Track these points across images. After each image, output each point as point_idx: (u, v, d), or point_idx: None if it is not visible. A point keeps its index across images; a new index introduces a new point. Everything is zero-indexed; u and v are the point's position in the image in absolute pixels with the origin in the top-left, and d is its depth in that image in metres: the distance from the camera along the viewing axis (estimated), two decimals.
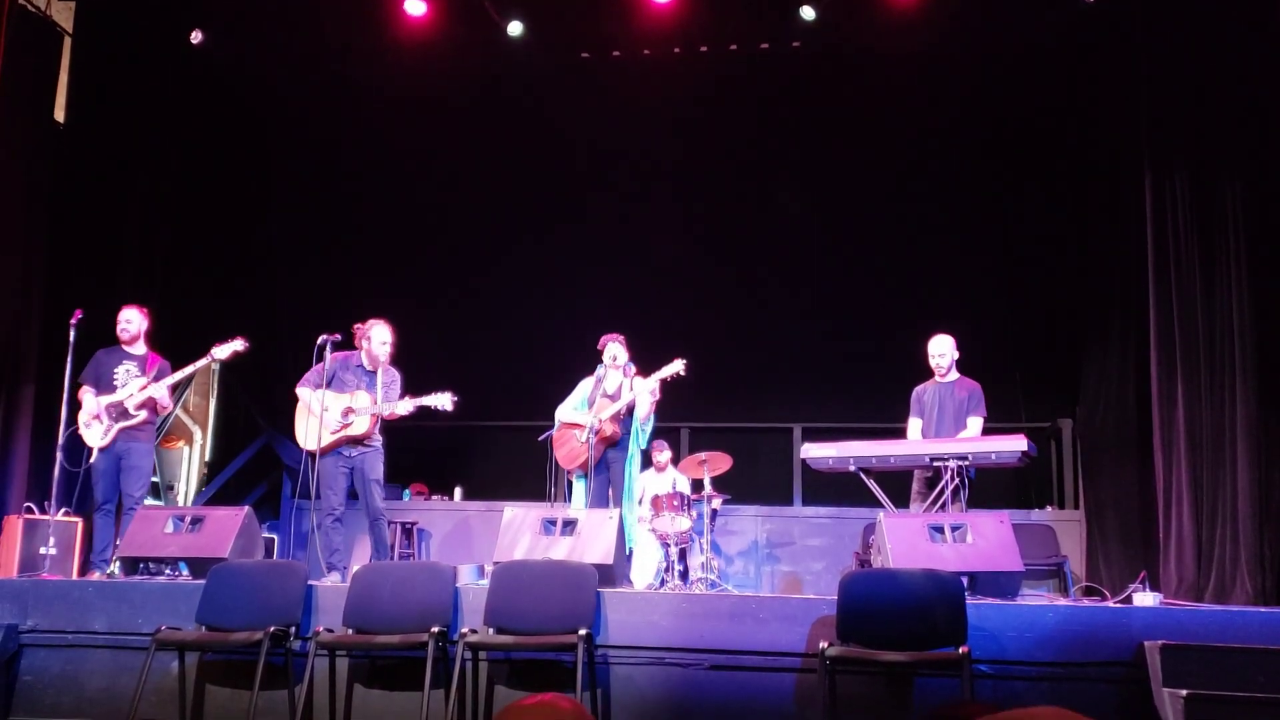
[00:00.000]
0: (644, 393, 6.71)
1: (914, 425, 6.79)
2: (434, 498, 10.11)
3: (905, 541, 5.60)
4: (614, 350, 6.97)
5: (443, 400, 6.57)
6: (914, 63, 8.49)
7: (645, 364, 6.94)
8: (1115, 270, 7.97)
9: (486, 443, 10.90)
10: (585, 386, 7.06)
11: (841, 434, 7.05)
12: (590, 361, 7.15)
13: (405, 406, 6.55)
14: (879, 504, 6.54)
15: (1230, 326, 6.78)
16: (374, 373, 6.74)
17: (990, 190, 9.26)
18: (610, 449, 6.83)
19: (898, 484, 6.77)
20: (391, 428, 7.00)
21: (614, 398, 6.86)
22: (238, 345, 6.75)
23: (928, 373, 6.83)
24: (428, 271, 10.11)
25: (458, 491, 10.13)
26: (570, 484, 7.05)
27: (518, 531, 5.95)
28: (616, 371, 6.97)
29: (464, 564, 8.27)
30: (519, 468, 9.81)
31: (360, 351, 6.78)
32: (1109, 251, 8.10)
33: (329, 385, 6.65)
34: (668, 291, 9.83)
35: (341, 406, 6.62)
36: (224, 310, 8.72)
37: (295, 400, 6.76)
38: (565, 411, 7.02)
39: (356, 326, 6.79)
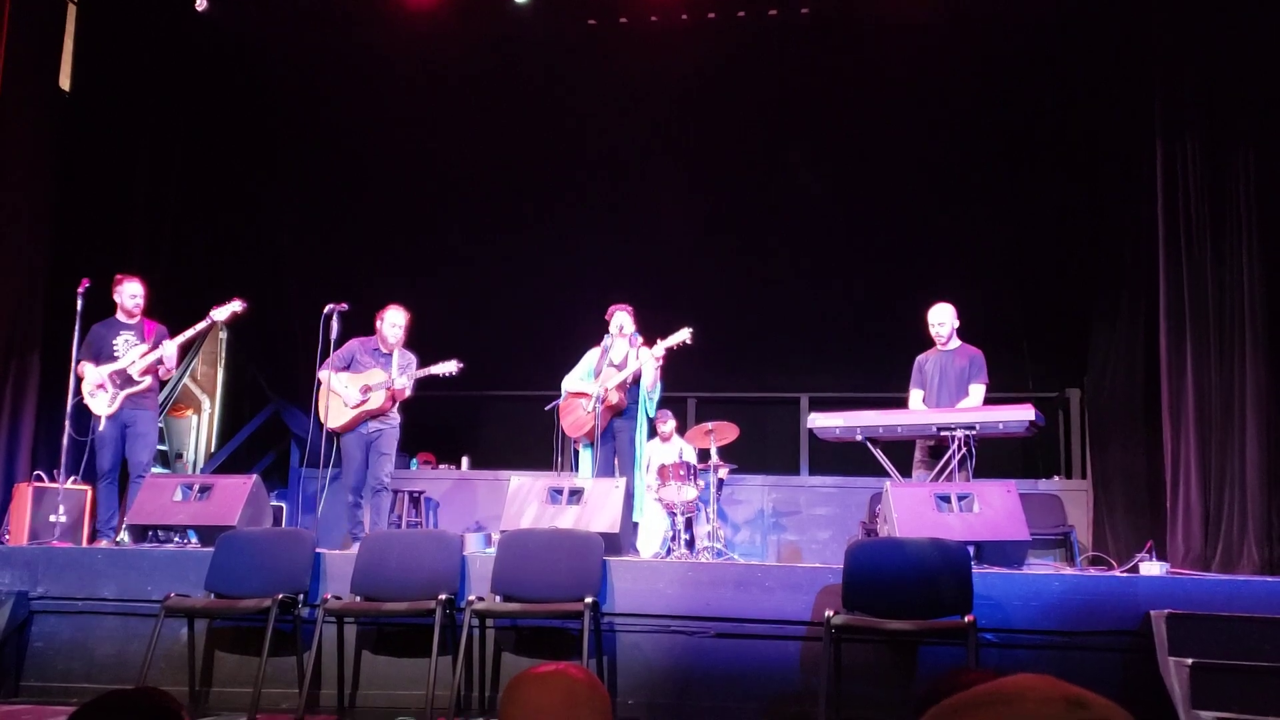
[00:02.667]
0: (650, 361, 6.71)
1: (915, 396, 6.79)
2: (441, 467, 10.15)
3: (911, 510, 5.60)
4: (621, 320, 6.96)
5: (448, 367, 6.76)
6: (924, 30, 8.40)
7: (652, 334, 6.93)
8: (1125, 239, 7.91)
9: (493, 412, 10.92)
10: (592, 356, 7.06)
11: (848, 404, 7.05)
12: (597, 332, 7.14)
13: (410, 378, 6.78)
14: (885, 473, 6.55)
15: (1240, 296, 6.73)
16: (389, 355, 6.92)
17: (1001, 158, 9.18)
18: (616, 418, 6.83)
19: (905, 454, 6.77)
20: (405, 402, 7.06)
21: (620, 367, 6.86)
22: (236, 306, 6.84)
23: (933, 342, 6.82)
24: (435, 240, 10.09)
25: (465, 461, 10.16)
26: (576, 453, 7.06)
27: (524, 500, 5.98)
28: (623, 341, 6.96)
29: (471, 532, 8.31)
30: (526, 437, 9.83)
31: (376, 335, 6.97)
32: (1119, 220, 8.04)
33: (349, 368, 6.86)
34: (675, 261, 9.80)
35: (359, 384, 6.81)
36: (230, 277, 8.70)
37: (301, 368, 6.86)
38: (572, 381, 7.01)
39: (378, 316, 6.94)
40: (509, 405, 10.74)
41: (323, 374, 6.83)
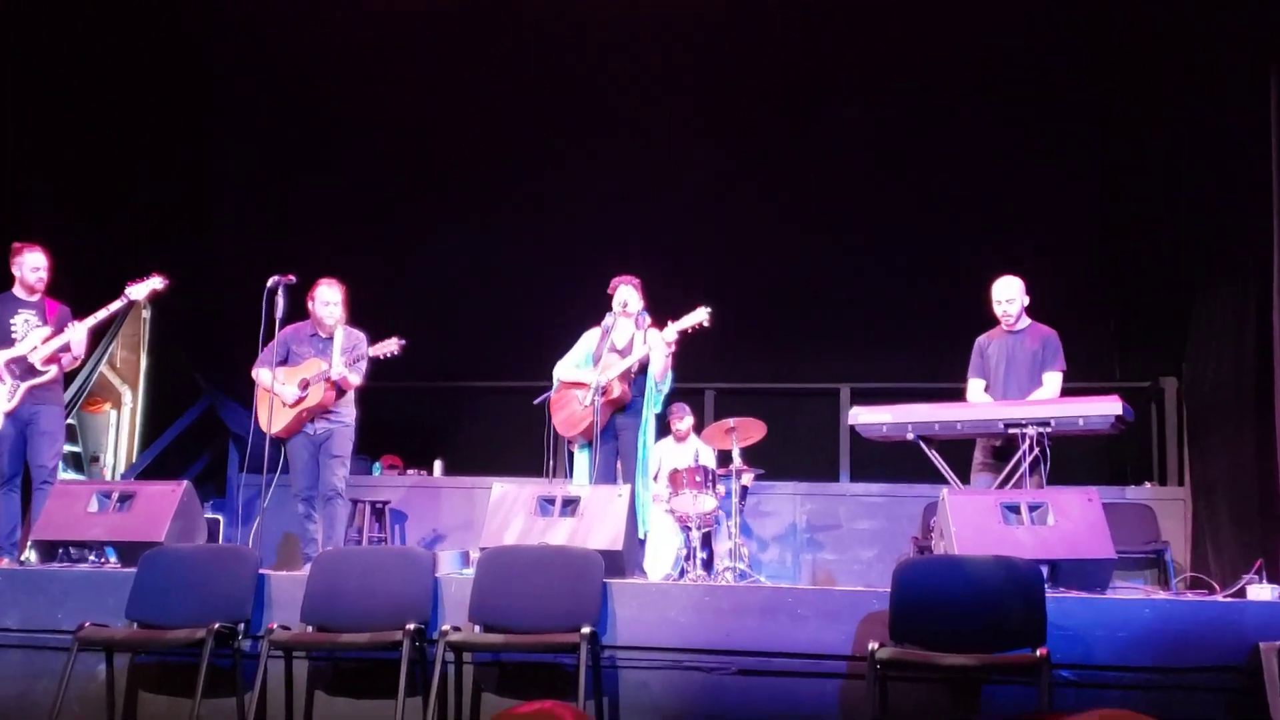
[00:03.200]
0: (660, 346, 6.71)
1: (975, 386, 6.79)
2: (409, 472, 10.19)
3: (973, 523, 5.60)
4: (626, 295, 6.95)
5: (386, 346, 6.84)
6: None
7: (663, 313, 6.93)
8: (1231, 202, 7.87)
9: (472, 407, 10.95)
10: (590, 339, 7.06)
11: (897, 396, 7.06)
12: (596, 310, 7.15)
13: (358, 362, 6.87)
14: (941, 479, 6.55)
15: None
16: (329, 339, 6.99)
17: (1080, 112, 9.06)
18: (619, 414, 6.84)
19: (965, 456, 6.78)
20: (364, 395, 7.11)
21: (624, 352, 6.86)
22: (156, 283, 6.88)
23: (998, 322, 6.81)
24: (402, 208, 10.12)
25: (438, 465, 10.21)
26: (571, 456, 7.07)
27: (509, 512, 5.99)
28: (628, 321, 6.97)
29: (445, 550, 8.35)
30: (510, 437, 9.82)
31: (312, 319, 7.04)
32: (1224, 180, 7.98)
33: (285, 361, 6.97)
34: (692, 229, 9.81)
35: (297, 379, 6.89)
36: (151, 252, 8.64)
37: (241, 353, 6.92)
38: (566, 369, 7.02)
39: (308, 296, 7.02)
40: (490, 399, 10.74)
41: (257, 373, 6.92)
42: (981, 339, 6.88)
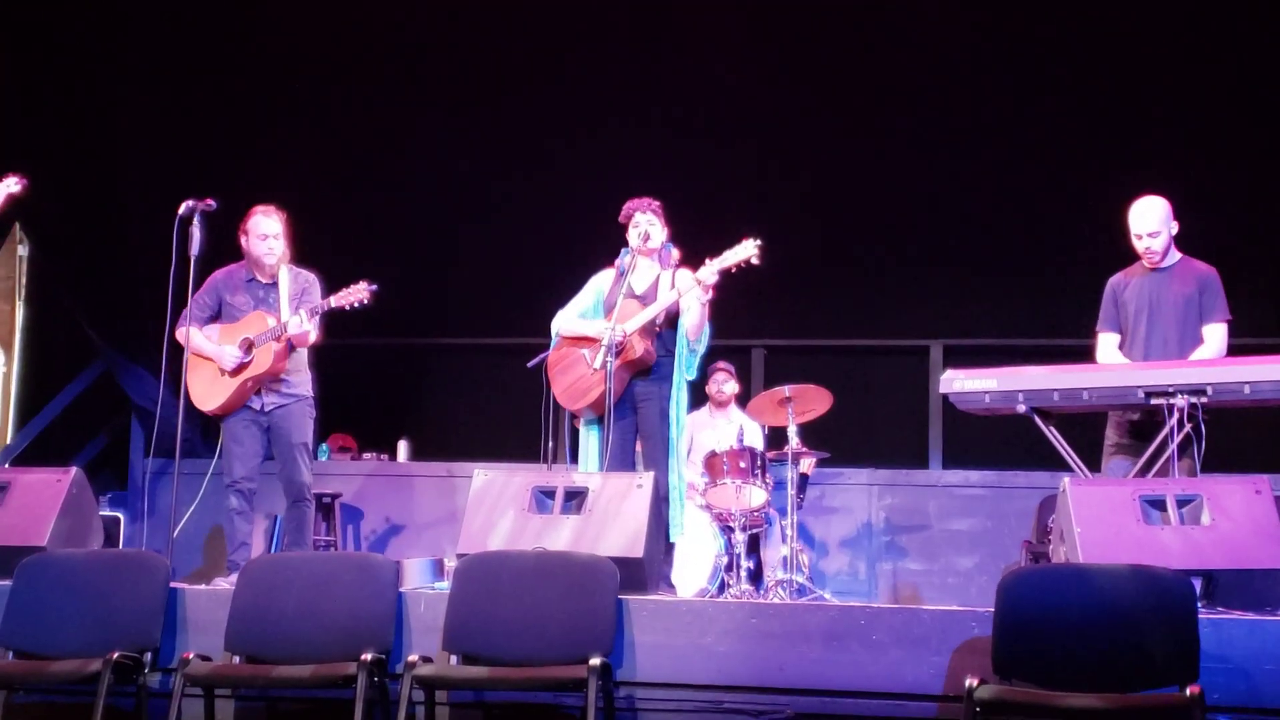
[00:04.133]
0: (694, 290, 6.67)
1: (1106, 343, 6.75)
2: (366, 456, 10.24)
3: (1104, 522, 5.58)
4: (645, 225, 6.90)
5: (355, 294, 6.87)
6: None
7: (697, 248, 6.88)
8: None
9: (447, 372, 10.96)
10: (600, 283, 7.03)
11: (1003, 356, 7.05)
12: (607, 246, 7.13)
13: (313, 311, 6.87)
14: (1062, 464, 6.52)
15: None
16: (273, 284, 7.06)
17: None
18: (640, 379, 6.81)
19: (1092, 436, 6.75)
20: (315, 354, 7.16)
21: (646, 299, 6.83)
22: (12, 185, 6.93)
23: (1136, 258, 6.75)
24: (358, 127, 10.16)
25: (403, 447, 10.26)
26: (576, 434, 7.07)
27: (495, 507, 6.01)
28: (649, 260, 6.93)
29: (413, 557, 8.37)
30: (496, 410, 9.85)
31: (247, 259, 7.10)
32: None
33: (217, 317, 7.03)
34: (732, 142, 9.78)
35: (238, 339, 6.91)
36: (27, 167, 8.64)
37: (147, 303, 6.88)
38: (568, 321, 6.99)
39: (240, 230, 7.07)
40: (470, 361, 10.76)
41: (185, 333, 6.95)
42: (1115, 280, 6.81)
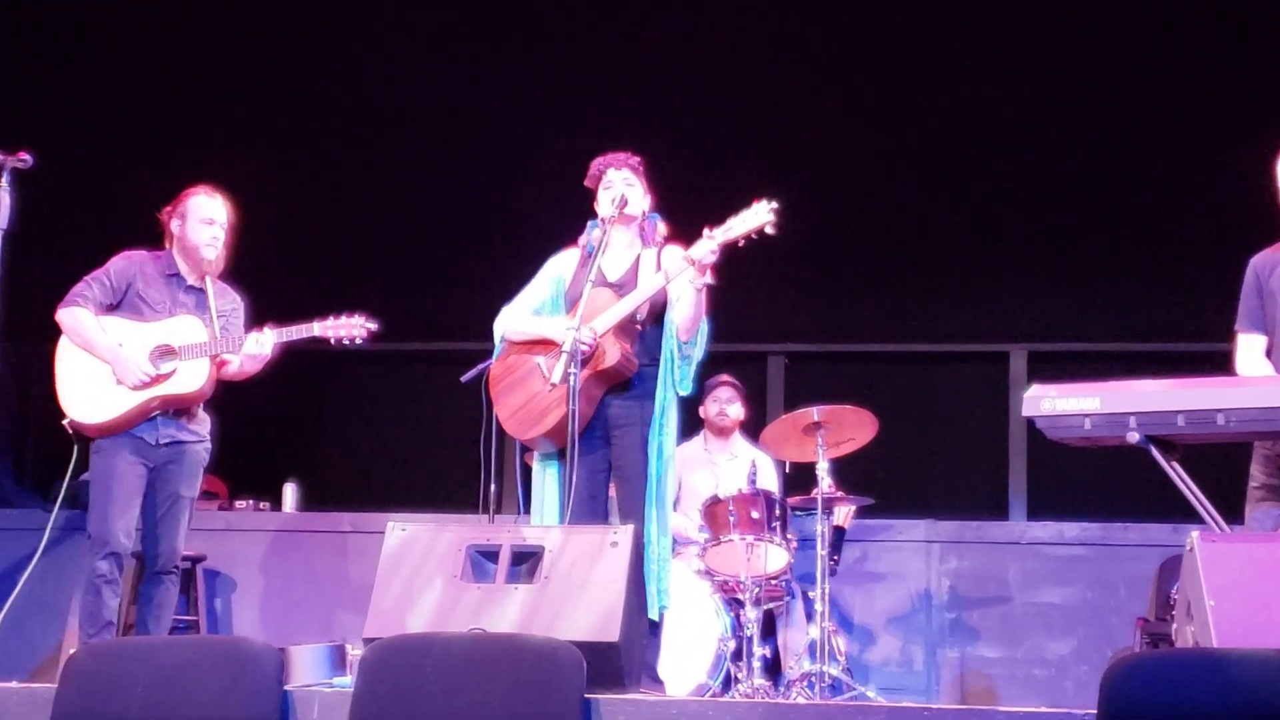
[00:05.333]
0: (686, 273, 6.65)
1: (1250, 347, 6.73)
2: (240, 505, 10.30)
3: (1247, 592, 5.57)
4: (622, 186, 6.90)
5: (350, 329, 7.19)
6: None
7: (692, 220, 6.87)
8: None
9: (350, 390, 10.98)
10: (561, 267, 7.06)
11: (1106, 364, 7.03)
12: (570, 220, 7.16)
13: (253, 344, 7.06)
14: (1191, 515, 6.51)
15: None
16: (202, 289, 7.24)
17: None
18: (615, 397, 6.82)
19: (1232, 474, 6.76)
20: None
21: (622, 287, 6.83)
22: None
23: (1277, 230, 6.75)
24: (238, 66, 10.37)
25: (290, 493, 10.33)
26: (528, 473, 7.09)
27: (415, 574, 5.98)
28: (627, 235, 6.94)
29: (302, 643, 8.31)
30: (418, 441, 9.83)
31: (171, 249, 7.27)
32: None
33: (118, 306, 7.14)
34: (744, 81, 9.93)
35: (151, 343, 7.02)
36: None
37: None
38: (518, 319, 6.99)
39: (166, 210, 7.26)
40: (383, 375, 10.76)
41: (69, 315, 7.03)
42: (1260, 261, 6.80)
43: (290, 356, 10.56)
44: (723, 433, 8.80)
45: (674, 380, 6.80)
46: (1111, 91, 9.82)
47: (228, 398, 9.98)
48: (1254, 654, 5.07)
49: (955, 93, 10.09)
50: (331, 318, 7.13)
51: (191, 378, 6.97)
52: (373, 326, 7.17)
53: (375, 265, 10.10)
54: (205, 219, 7.17)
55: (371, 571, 6.13)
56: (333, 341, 7.16)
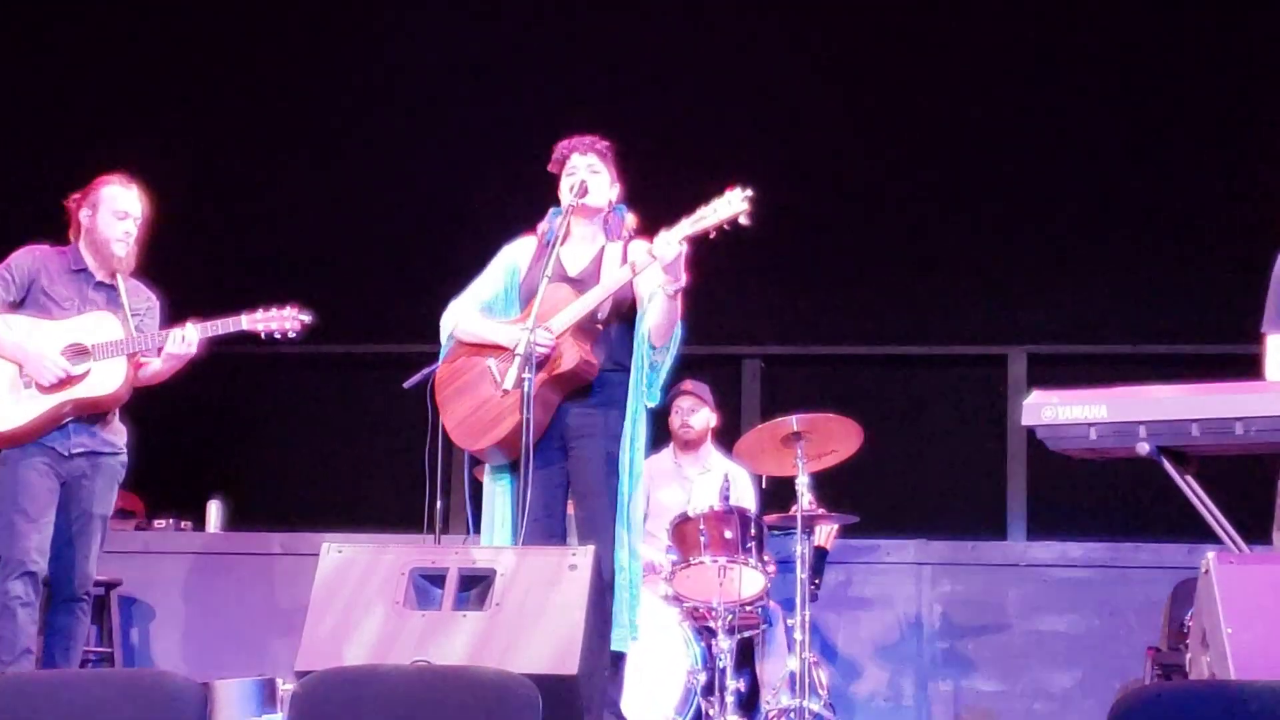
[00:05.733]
0: (653, 265, 6.65)
1: (1279, 349, 6.76)
2: (159, 525, 10.26)
3: (1266, 619, 5.60)
4: (585, 171, 6.90)
5: (284, 321, 7.20)
6: None
7: (663, 210, 6.86)
8: None
9: (280, 397, 10.95)
10: (516, 257, 7.07)
11: (1114, 368, 7.04)
12: (526, 208, 7.18)
13: (177, 342, 7.06)
14: (1207, 534, 6.53)
15: None
16: (112, 285, 7.24)
17: None
18: (575, 404, 6.83)
19: (1253, 489, 6.82)
20: None
21: (583, 282, 6.84)
22: None
23: None
24: (173, 70, 10.43)
25: (214, 511, 10.30)
26: (478, 488, 7.10)
27: (353, 601, 5.98)
28: (590, 227, 6.96)
29: (228, 677, 8.31)
30: (355, 453, 9.82)
31: (78, 242, 7.27)
32: None
33: (22, 304, 7.14)
34: (711, 72, 9.98)
35: (62, 342, 7.00)
36: None
37: None
38: (467, 317, 6.99)
39: (74, 198, 7.25)
40: (317, 380, 10.74)
41: None
42: None
43: (216, 360, 10.57)
44: (689, 445, 8.82)
45: (645, 385, 6.80)
46: (1122, 78, 9.90)
47: (146, 405, 9.99)
48: (1275, 687, 5.10)
49: (951, 76, 10.16)
50: (261, 310, 7.12)
51: (107, 379, 6.95)
52: (307, 319, 7.19)
53: (309, 259, 10.08)
54: (118, 211, 7.16)
55: (304, 598, 6.12)
56: (263, 335, 7.16)
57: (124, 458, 7.28)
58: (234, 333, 7.14)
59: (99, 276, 7.20)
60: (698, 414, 8.77)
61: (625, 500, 6.77)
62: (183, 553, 9.95)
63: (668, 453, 8.74)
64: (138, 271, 7.35)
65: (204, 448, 10.75)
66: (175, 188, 9.96)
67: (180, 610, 9.68)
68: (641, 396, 6.80)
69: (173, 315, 7.26)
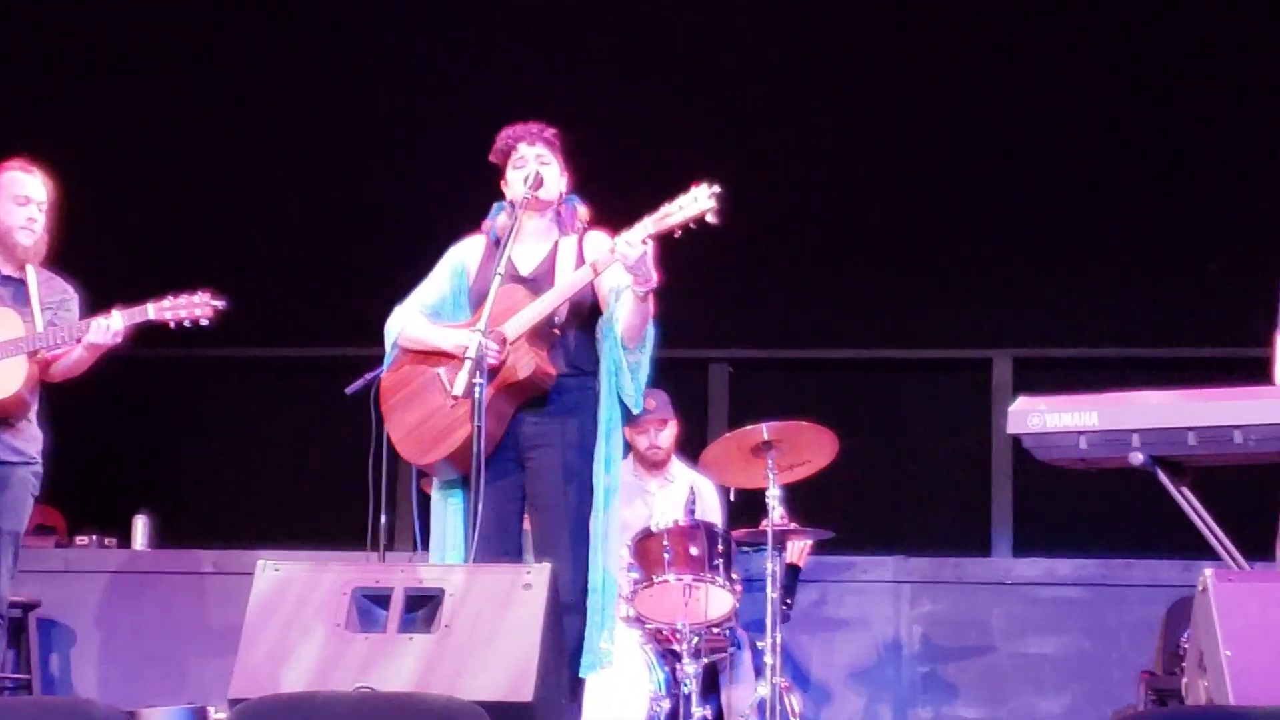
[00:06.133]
0: (614, 267, 6.67)
1: None
2: (81, 541, 10.23)
3: (1266, 640, 5.63)
4: (535, 162, 6.91)
5: (192, 308, 7.17)
6: None
7: (621, 206, 6.90)
8: None
9: (212, 403, 10.92)
10: (464, 257, 7.08)
11: (1106, 373, 7.07)
12: (475, 201, 7.18)
13: (101, 332, 7.05)
14: (1204, 550, 6.57)
15: None
16: (21, 279, 7.21)
17: None
18: (530, 413, 6.84)
19: (1252, 503, 6.83)
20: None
21: (537, 283, 6.85)
22: None
23: None
24: (92, 47, 10.46)
25: (140, 526, 10.25)
26: (426, 503, 7.07)
27: (291, 623, 5.98)
28: (540, 218, 6.97)
29: (155, 705, 8.34)
30: (293, 465, 9.81)
31: None
32: None
33: None
34: (674, 58, 10.05)
35: None
36: None
37: None
38: (413, 321, 6.99)
39: None
40: (251, 386, 10.72)
41: None
42: None
43: (144, 362, 10.61)
44: (651, 460, 8.82)
45: (613, 390, 6.80)
46: (1109, 77, 9.99)
47: (68, 411, 10.00)
48: (1276, 712, 5.14)
49: (933, 71, 10.23)
50: (170, 297, 7.09)
51: (11, 380, 6.91)
52: (219, 304, 7.16)
53: (243, 255, 10.07)
54: (19, 197, 7.12)
55: (238, 619, 6.13)
56: (173, 326, 7.14)
57: (37, 468, 7.22)
58: (141, 323, 7.10)
59: (5, 270, 7.16)
60: (664, 432, 8.78)
61: (600, 518, 6.76)
62: (107, 572, 9.90)
63: (626, 465, 8.71)
64: (54, 264, 7.33)
65: (131, 458, 10.70)
66: (91, 175, 10.03)
67: (104, 634, 9.64)
68: (616, 405, 6.80)
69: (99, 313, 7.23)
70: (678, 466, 8.79)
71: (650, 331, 6.77)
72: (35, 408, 7.19)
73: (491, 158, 6.96)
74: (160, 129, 10.55)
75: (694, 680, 7.72)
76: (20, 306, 7.08)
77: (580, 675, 6.56)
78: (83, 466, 10.37)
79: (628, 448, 8.65)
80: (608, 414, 6.79)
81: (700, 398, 9.85)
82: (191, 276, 10.21)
